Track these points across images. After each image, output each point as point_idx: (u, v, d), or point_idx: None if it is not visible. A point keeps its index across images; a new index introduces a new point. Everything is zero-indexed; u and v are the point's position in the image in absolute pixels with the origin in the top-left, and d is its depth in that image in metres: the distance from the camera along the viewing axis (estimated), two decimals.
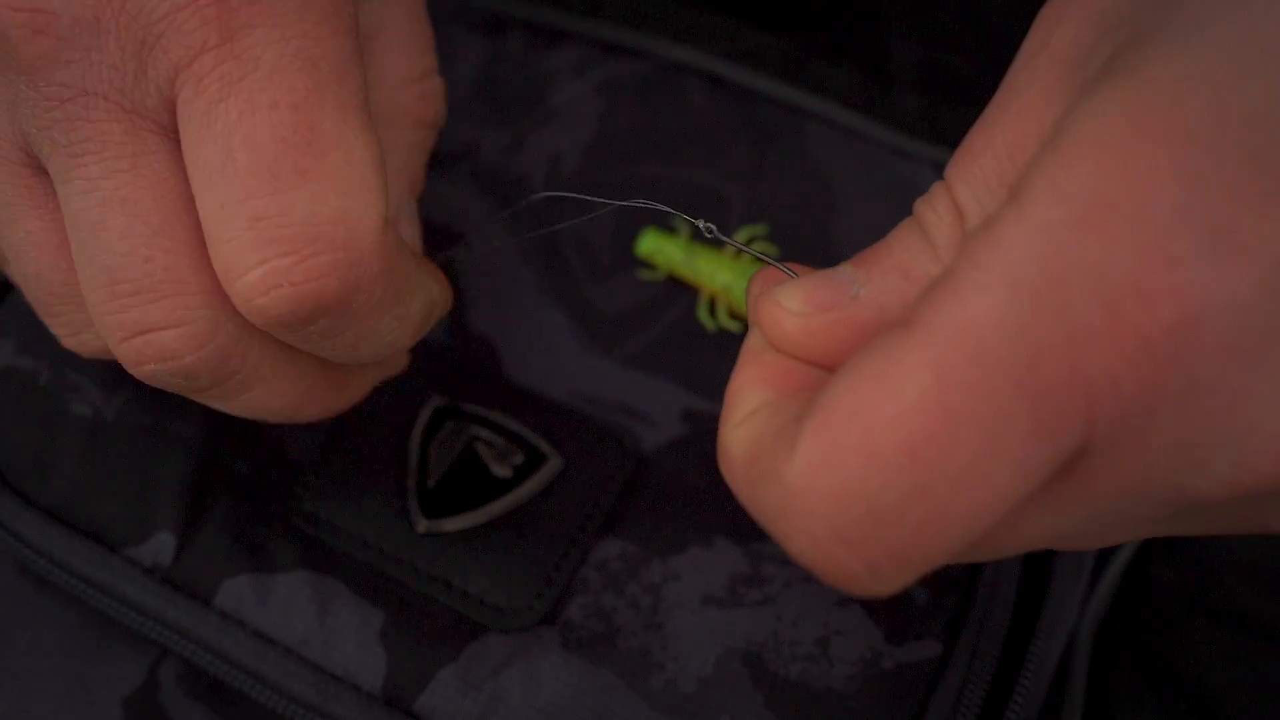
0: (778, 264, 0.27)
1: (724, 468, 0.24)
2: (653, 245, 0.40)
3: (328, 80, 0.26)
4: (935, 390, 0.20)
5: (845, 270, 0.25)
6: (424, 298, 0.30)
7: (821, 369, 0.25)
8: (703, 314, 0.39)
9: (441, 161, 0.42)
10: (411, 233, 0.34)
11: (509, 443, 0.36)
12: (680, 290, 0.40)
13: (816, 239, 0.40)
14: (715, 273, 0.39)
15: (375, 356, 0.30)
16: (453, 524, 0.34)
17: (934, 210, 0.24)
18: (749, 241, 0.40)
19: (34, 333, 0.36)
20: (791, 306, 0.24)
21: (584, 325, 0.39)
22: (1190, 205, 0.19)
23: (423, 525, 0.34)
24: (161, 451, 0.35)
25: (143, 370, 0.28)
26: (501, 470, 0.35)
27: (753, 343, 0.26)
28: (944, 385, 0.20)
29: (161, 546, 0.34)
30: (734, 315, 0.39)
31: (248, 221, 0.25)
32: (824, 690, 0.33)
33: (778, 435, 0.22)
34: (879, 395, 0.20)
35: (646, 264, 0.40)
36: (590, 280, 0.40)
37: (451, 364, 0.38)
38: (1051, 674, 0.34)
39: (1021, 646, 0.34)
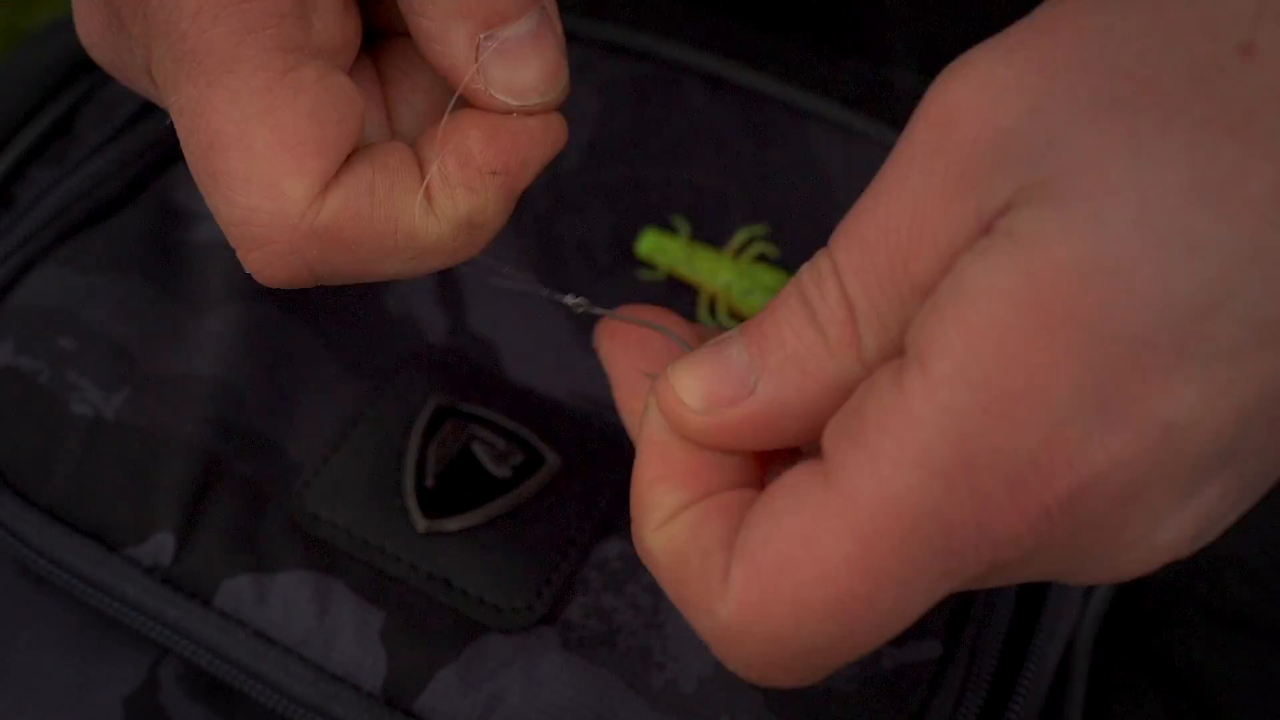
0: (671, 335, 0.29)
1: (649, 566, 0.26)
2: (653, 245, 0.40)
3: (215, 74, 0.26)
4: (860, 557, 0.22)
5: (738, 356, 0.25)
6: (443, 225, 0.28)
7: (730, 453, 0.26)
8: (703, 314, 0.39)
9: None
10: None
11: (508, 443, 0.36)
12: (680, 290, 0.40)
13: (816, 239, 0.40)
14: (715, 273, 0.39)
15: (425, 267, 0.29)
16: (453, 524, 0.34)
17: (825, 301, 0.24)
18: (749, 241, 0.40)
19: (34, 333, 0.36)
20: (691, 404, 0.25)
21: (584, 325, 0.39)
22: (1085, 389, 0.21)
23: (423, 525, 0.34)
24: (161, 451, 0.35)
25: None
26: (501, 470, 0.35)
27: (654, 431, 0.26)
28: (867, 553, 0.22)
29: (161, 546, 0.34)
30: (734, 315, 0.39)
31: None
32: (824, 690, 0.32)
33: (704, 559, 0.24)
34: (806, 555, 0.23)
35: (646, 264, 0.40)
36: (590, 280, 0.40)
37: (451, 364, 0.38)
38: (1051, 674, 0.34)
39: (1021, 646, 0.34)
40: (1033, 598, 0.34)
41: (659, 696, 0.32)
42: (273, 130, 0.26)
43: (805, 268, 0.25)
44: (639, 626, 0.33)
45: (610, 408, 0.37)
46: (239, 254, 0.27)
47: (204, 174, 0.27)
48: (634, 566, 0.34)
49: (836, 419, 0.24)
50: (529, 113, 0.28)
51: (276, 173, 0.26)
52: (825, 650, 0.23)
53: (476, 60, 0.27)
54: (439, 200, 0.28)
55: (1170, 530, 0.23)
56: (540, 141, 0.28)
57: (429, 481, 0.35)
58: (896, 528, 0.22)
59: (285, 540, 0.34)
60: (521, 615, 0.33)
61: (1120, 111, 0.21)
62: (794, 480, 0.23)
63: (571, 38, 0.43)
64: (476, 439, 0.36)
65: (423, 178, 0.28)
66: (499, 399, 0.37)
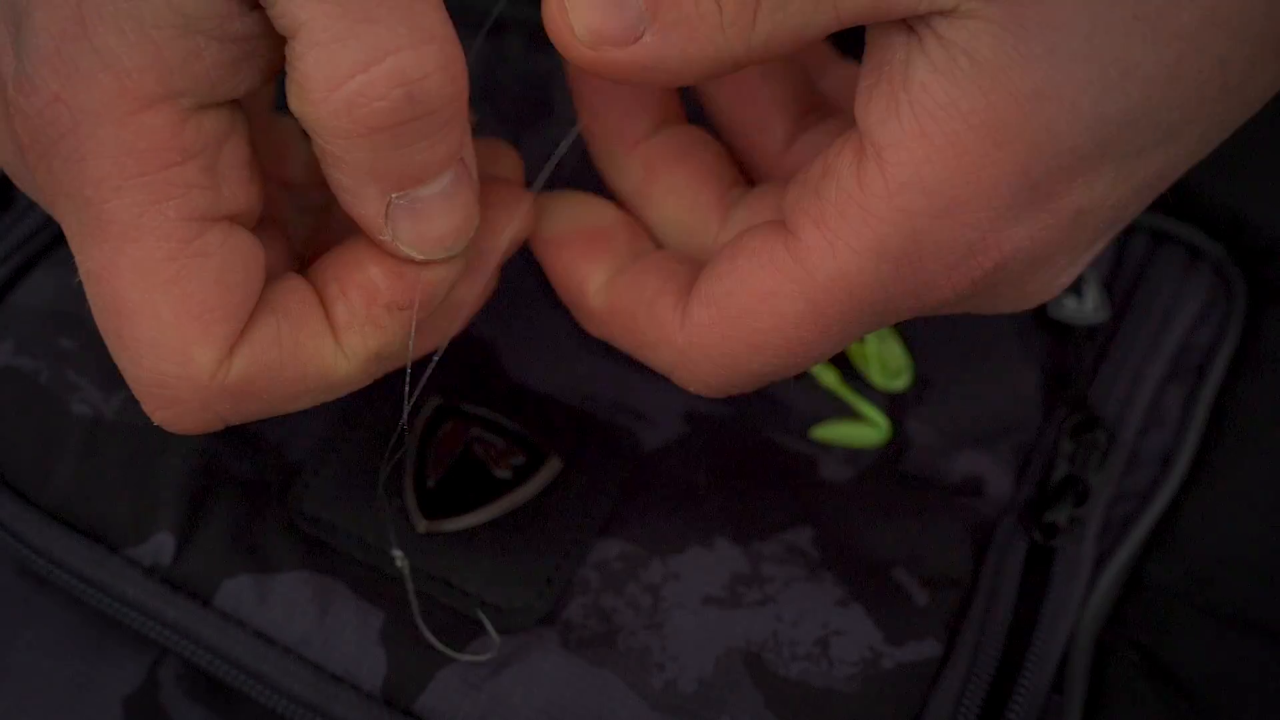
0: None
1: (596, 325, 0.31)
2: None
3: (119, 243, 0.26)
4: (810, 315, 0.27)
5: (634, 2, 0.26)
6: (352, 362, 0.29)
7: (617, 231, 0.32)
8: None
9: None
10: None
11: (509, 443, 0.36)
12: None
13: None
14: None
15: None
16: (453, 524, 0.34)
17: None
18: None
19: (34, 333, 0.36)
20: (579, 34, 0.26)
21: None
22: (1021, 192, 0.25)
23: (423, 525, 0.34)
24: (161, 451, 0.35)
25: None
26: (501, 470, 0.35)
27: (564, 227, 0.32)
28: (817, 314, 0.27)
29: (161, 546, 0.34)
30: None
31: None
32: (824, 690, 0.33)
33: (652, 304, 0.30)
34: (765, 309, 0.27)
35: None
36: None
37: (451, 364, 0.38)
38: (1051, 674, 0.34)
39: (1021, 646, 0.34)
40: (1033, 598, 0.34)
41: (659, 696, 0.32)
42: (179, 300, 0.26)
43: None
44: (639, 626, 0.33)
45: (610, 407, 0.38)
46: (145, 409, 0.28)
47: (110, 335, 0.27)
48: (634, 567, 0.34)
49: (796, 192, 0.27)
50: (434, 262, 0.29)
51: (184, 340, 0.26)
52: (769, 375, 0.28)
53: (386, 219, 0.27)
54: (348, 339, 0.28)
55: (1067, 275, 0.28)
56: (445, 277, 0.29)
57: (429, 482, 0.35)
58: (846, 298, 0.26)
59: (285, 540, 0.34)
60: (521, 615, 0.33)
61: None
62: (758, 244, 0.27)
63: None
64: (477, 439, 0.36)
65: (324, 309, 0.28)
66: (499, 399, 0.37)
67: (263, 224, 0.30)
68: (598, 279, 0.31)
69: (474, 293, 0.31)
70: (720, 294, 0.28)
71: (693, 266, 0.30)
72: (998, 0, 0.24)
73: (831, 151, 0.27)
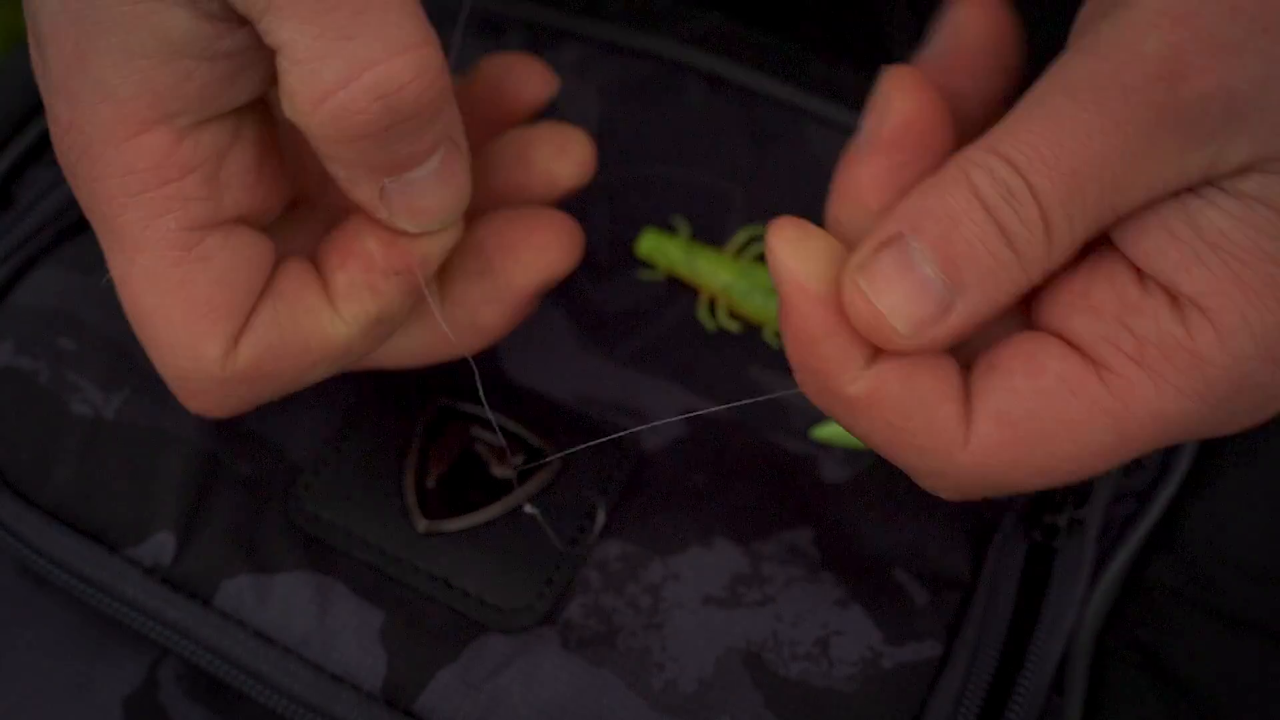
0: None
1: (849, 412, 0.27)
2: (653, 245, 0.40)
3: (131, 254, 0.29)
4: (1115, 447, 0.27)
5: (933, 275, 0.26)
6: (353, 327, 0.31)
7: None
8: (703, 314, 0.39)
9: None
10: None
11: (509, 443, 0.36)
12: (680, 290, 0.40)
13: None
14: (715, 273, 0.39)
15: None
16: (453, 524, 0.34)
17: (1022, 224, 0.26)
18: (748, 242, 0.40)
19: (34, 333, 0.36)
20: (900, 328, 0.26)
21: (584, 325, 0.39)
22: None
23: (423, 525, 0.34)
24: (161, 451, 0.35)
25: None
26: (501, 470, 0.35)
27: (812, 281, 0.27)
28: (1123, 445, 0.27)
29: (161, 546, 0.34)
30: (734, 315, 0.39)
31: None
32: (824, 690, 0.33)
33: (931, 410, 0.27)
34: (1066, 436, 0.27)
35: (646, 264, 0.40)
36: (590, 280, 0.40)
37: (451, 364, 0.38)
38: (1051, 674, 0.34)
39: (1021, 646, 0.34)
40: (1033, 598, 0.34)
41: (659, 696, 0.32)
42: (185, 302, 0.29)
43: (983, 177, 0.26)
44: (639, 626, 0.33)
45: (610, 407, 0.38)
46: (179, 400, 0.31)
47: (139, 337, 0.30)
48: (634, 567, 0.34)
49: (1091, 324, 0.26)
50: (429, 233, 0.30)
51: (193, 338, 0.29)
52: (1036, 488, 0.28)
53: (381, 199, 0.29)
54: (348, 307, 0.30)
55: None
56: (441, 244, 0.31)
57: (429, 481, 0.35)
58: (1158, 434, 0.26)
59: (285, 540, 0.34)
60: (521, 615, 0.33)
61: None
62: (1062, 369, 0.26)
63: (572, 37, 0.44)
64: (477, 439, 0.36)
65: (325, 282, 0.30)
66: (499, 399, 0.37)
67: (297, 207, 0.33)
68: (861, 357, 0.27)
69: (502, 318, 0.33)
70: (1019, 416, 0.26)
71: (956, 366, 0.28)
72: (1273, 141, 0.24)
73: (1127, 287, 0.26)
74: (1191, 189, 0.25)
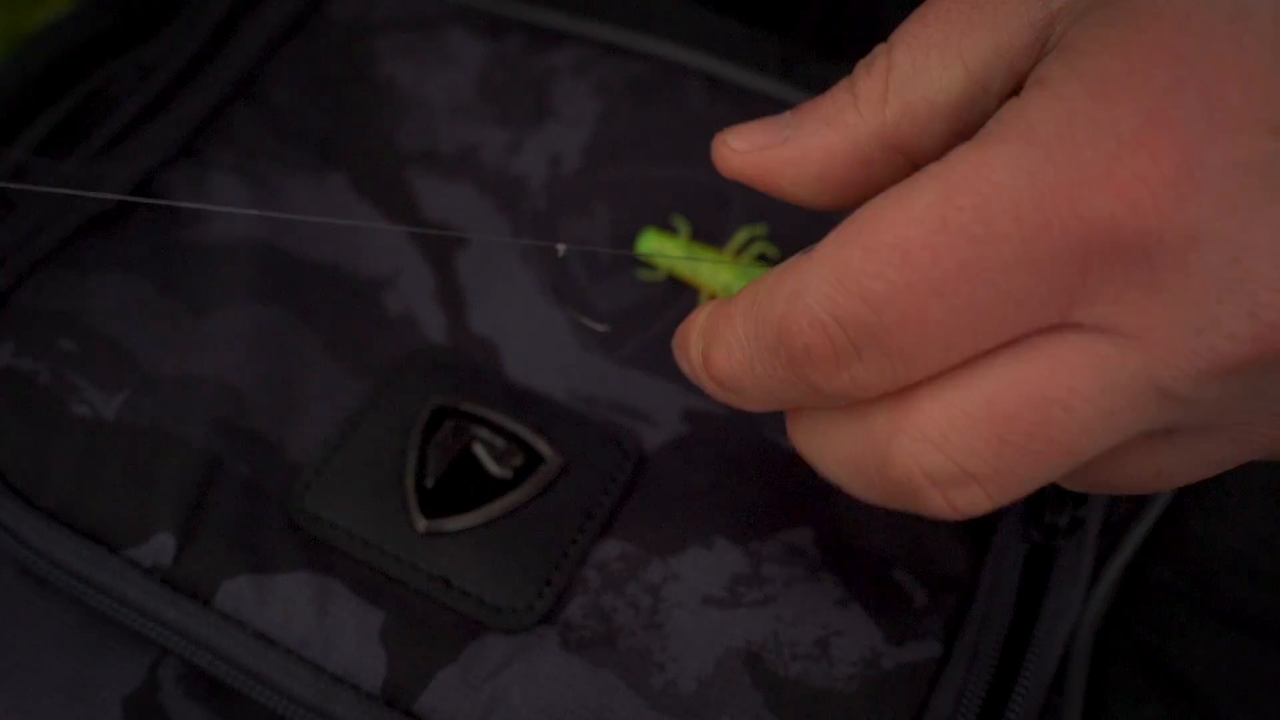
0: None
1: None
2: (653, 245, 0.40)
3: None
4: (938, 206, 0.23)
5: (785, 116, 0.29)
6: None
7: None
8: None
9: (441, 162, 0.42)
10: None
11: (508, 443, 0.36)
12: (680, 290, 0.40)
13: (817, 239, 0.40)
14: (715, 273, 0.39)
15: None
16: (453, 524, 0.34)
17: (865, 67, 0.28)
18: (749, 241, 0.40)
19: (34, 334, 0.36)
20: (735, 145, 0.29)
21: (584, 326, 0.39)
22: (1185, 80, 0.22)
23: (423, 525, 0.34)
24: (161, 451, 0.35)
25: None
26: (501, 470, 0.35)
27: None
28: (947, 203, 0.23)
29: (161, 547, 0.34)
30: None
31: None
32: (824, 690, 0.33)
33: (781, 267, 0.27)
34: (892, 207, 0.23)
35: (646, 264, 0.40)
36: (590, 280, 0.40)
37: (451, 364, 0.38)
38: (1051, 674, 0.34)
39: (1021, 646, 0.34)
40: (1033, 598, 0.34)
41: (659, 696, 0.32)
42: None
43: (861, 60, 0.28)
44: (639, 626, 0.33)
45: (610, 407, 0.38)
46: None
47: None
48: (634, 567, 0.34)
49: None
50: None
51: None
52: (881, 303, 0.24)
53: None
54: None
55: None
56: None
57: (429, 481, 0.35)
58: (982, 185, 0.22)
59: (285, 540, 0.34)
60: (521, 615, 0.33)
61: None
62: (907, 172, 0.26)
63: (571, 38, 0.44)
64: (477, 439, 0.36)
65: None
66: (499, 399, 0.37)
67: None
68: None
69: None
70: (855, 213, 0.25)
71: None
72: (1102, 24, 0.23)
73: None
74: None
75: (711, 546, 0.35)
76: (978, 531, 0.36)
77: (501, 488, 0.35)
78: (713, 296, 0.39)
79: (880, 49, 0.28)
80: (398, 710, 0.32)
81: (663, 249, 0.40)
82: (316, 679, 0.32)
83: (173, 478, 0.35)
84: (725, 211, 0.41)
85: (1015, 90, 0.25)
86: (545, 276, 0.40)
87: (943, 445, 0.24)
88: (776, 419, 0.38)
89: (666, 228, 0.40)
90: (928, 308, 0.23)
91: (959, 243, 0.23)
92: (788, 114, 0.29)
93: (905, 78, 0.27)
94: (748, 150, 0.29)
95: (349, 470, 0.35)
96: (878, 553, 0.35)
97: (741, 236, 0.40)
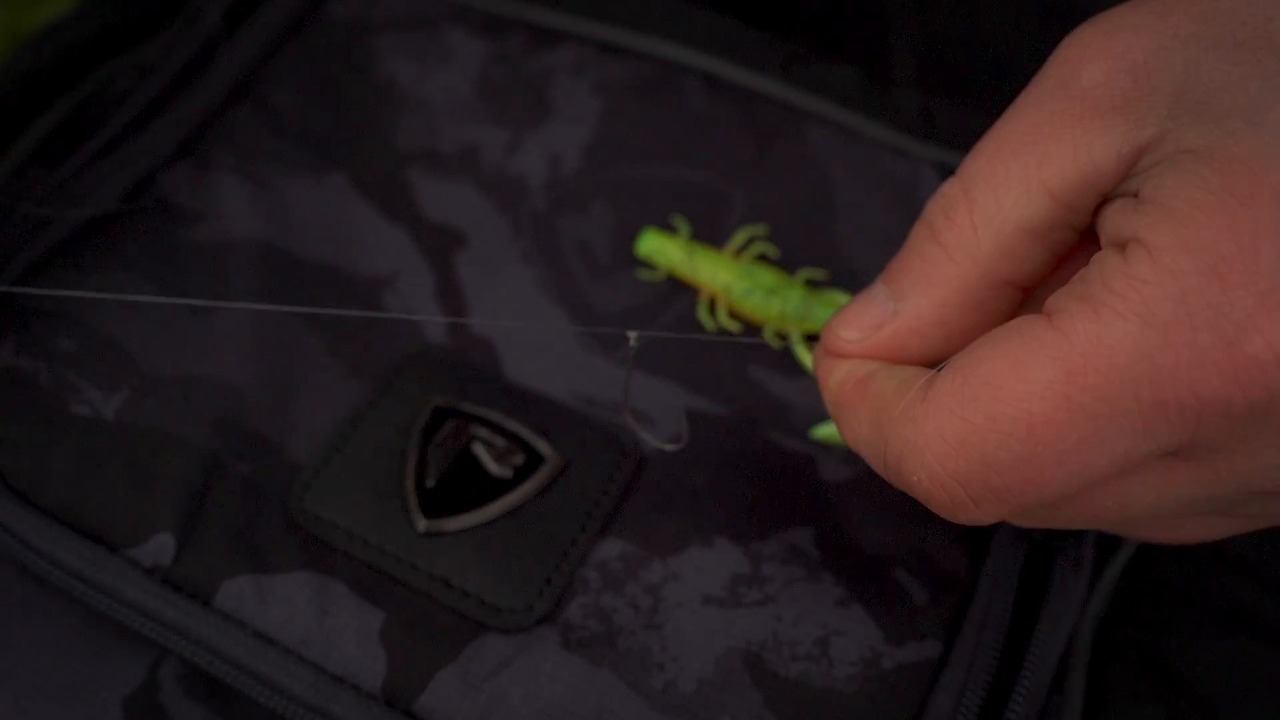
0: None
1: (850, 413, 0.29)
2: (653, 245, 0.40)
3: None
4: (1061, 385, 0.25)
5: (879, 289, 0.30)
6: None
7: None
8: (703, 314, 0.39)
9: (441, 161, 0.42)
10: None
11: (509, 443, 0.36)
12: (680, 290, 0.40)
13: (816, 238, 0.40)
14: (715, 273, 0.39)
15: None
16: (453, 524, 0.34)
17: (944, 214, 0.28)
18: (749, 241, 0.40)
19: (34, 334, 0.36)
20: (849, 335, 0.30)
21: (584, 325, 0.39)
22: None
23: (423, 525, 0.34)
24: (161, 451, 0.35)
25: None
26: (501, 470, 0.35)
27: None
28: (1070, 383, 0.25)
29: (161, 547, 0.34)
30: (734, 315, 0.39)
31: None
32: (824, 690, 0.32)
33: (899, 389, 0.28)
34: (1011, 375, 0.25)
35: (646, 264, 0.40)
36: (590, 280, 0.40)
37: (451, 364, 0.38)
38: (1051, 674, 0.34)
39: (1021, 646, 0.34)
40: (1033, 598, 0.34)
41: (659, 696, 0.32)
42: None
43: (931, 199, 0.29)
44: (639, 626, 0.33)
45: (610, 408, 0.38)
46: None
47: None
48: (634, 567, 0.34)
49: (1060, 291, 0.26)
50: None
51: None
52: (1003, 470, 0.26)
53: None
54: None
55: None
56: None
57: (429, 481, 0.35)
58: (1105, 366, 0.24)
59: (285, 540, 0.34)
60: (521, 615, 0.33)
61: (1242, 49, 0.25)
62: (1017, 322, 0.26)
63: (572, 38, 0.44)
64: (477, 439, 0.36)
65: None
66: (499, 399, 0.37)
67: None
68: (866, 365, 0.30)
69: None
70: (968, 362, 0.26)
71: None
72: (1182, 98, 0.25)
73: (1094, 259, 0.26)
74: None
75: (711, 546, 0.35)
76: (978, 531, 0.36)
77: (501, 488, 0.35)
78: (713, 296, 0.39)
79: (954, 191, 0.28)
80: (398, 710, 0.32)
81: (663, 249, 0.40)
82: (316, 679, 0.32)
83: (173, 478, 0.35)
84: (725, 211, 0.41)
85: (1100, 203, 0.27)
86: (545, 276, 0.40)
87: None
88: (777, 419, 0.38)
89: (666, 228, 0.40)
90: (1048, 473, 0.26)
91: (1081, 420, 0.25)
92: (878, 286, 0.30)
93: (991, 215, 0.27)
94: (863, 338, 0.30)
95: (349, 470, 0.35)
96: (878, 553, 0.35)
97: (741, 236, 0.40)
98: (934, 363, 0.29)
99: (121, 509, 0.34)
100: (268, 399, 0.37)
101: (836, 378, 0.30)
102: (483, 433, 0.36)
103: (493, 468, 0.36)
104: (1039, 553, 0.35)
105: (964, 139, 0.35)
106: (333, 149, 0.42)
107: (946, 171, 0.40)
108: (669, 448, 0.31)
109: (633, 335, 0.32)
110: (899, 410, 0.27)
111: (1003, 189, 0.27)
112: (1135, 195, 0.26)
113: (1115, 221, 0.26)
